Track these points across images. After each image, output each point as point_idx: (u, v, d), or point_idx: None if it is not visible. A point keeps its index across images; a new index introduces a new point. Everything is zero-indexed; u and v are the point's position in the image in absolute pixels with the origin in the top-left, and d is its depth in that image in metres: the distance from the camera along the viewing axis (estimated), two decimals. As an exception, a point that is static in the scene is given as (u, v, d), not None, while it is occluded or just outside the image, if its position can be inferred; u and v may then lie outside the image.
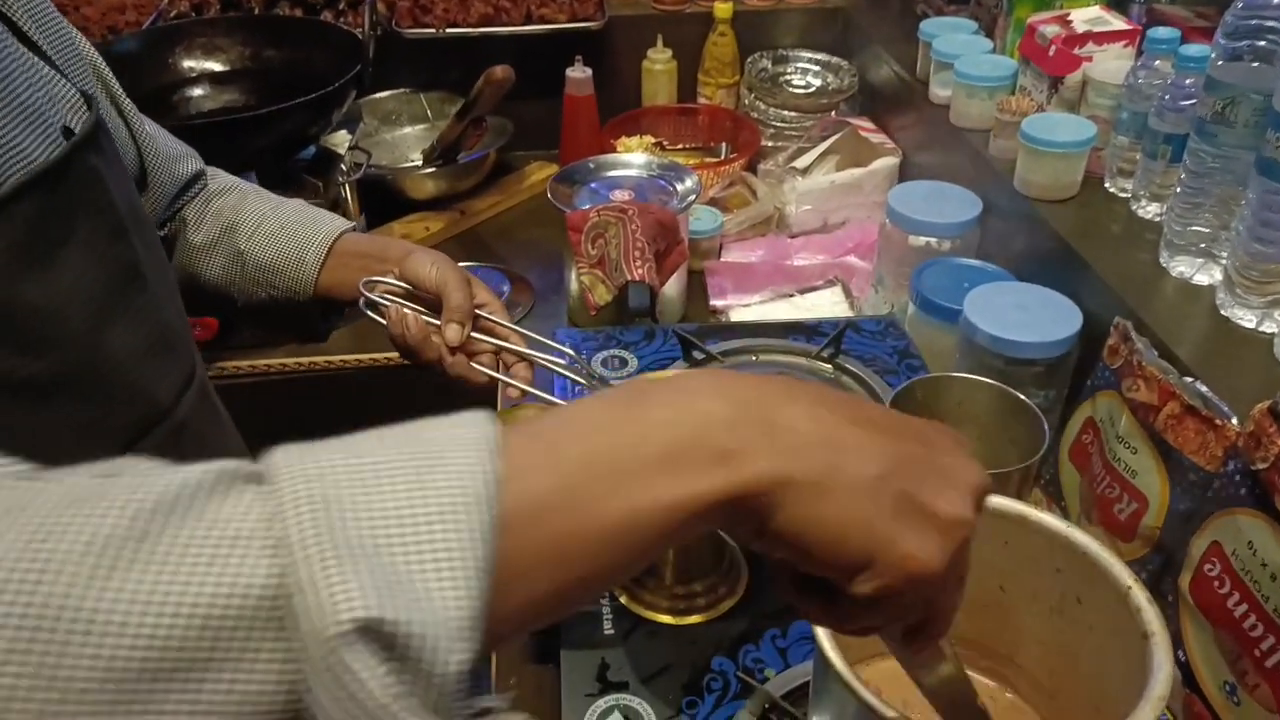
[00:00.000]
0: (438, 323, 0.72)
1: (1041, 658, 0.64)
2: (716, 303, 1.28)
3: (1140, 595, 0.56)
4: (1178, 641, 0.76)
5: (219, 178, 0.88)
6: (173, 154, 0.83)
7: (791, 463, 0.35)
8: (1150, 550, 0.81)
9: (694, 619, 0.81)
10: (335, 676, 0.28)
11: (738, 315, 1.25)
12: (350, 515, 0.30)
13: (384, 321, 0.74)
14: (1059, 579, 0.61)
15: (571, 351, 0.71)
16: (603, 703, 0.74)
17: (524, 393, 0.70)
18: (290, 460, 0.31)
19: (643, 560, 0.36)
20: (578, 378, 0.71)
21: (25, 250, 0.56)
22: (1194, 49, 0.94)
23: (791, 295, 1.27)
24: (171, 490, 0.29)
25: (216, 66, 1.31)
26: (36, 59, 0.62)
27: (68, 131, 0.61)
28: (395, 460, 0.32)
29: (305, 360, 1.21)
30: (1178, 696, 0.77)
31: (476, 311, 0.74)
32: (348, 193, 1.26)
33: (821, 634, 0.53)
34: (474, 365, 0.73)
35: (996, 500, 0.62)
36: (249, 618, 0.28)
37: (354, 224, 0.84)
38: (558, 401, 0.69)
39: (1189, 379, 0.79)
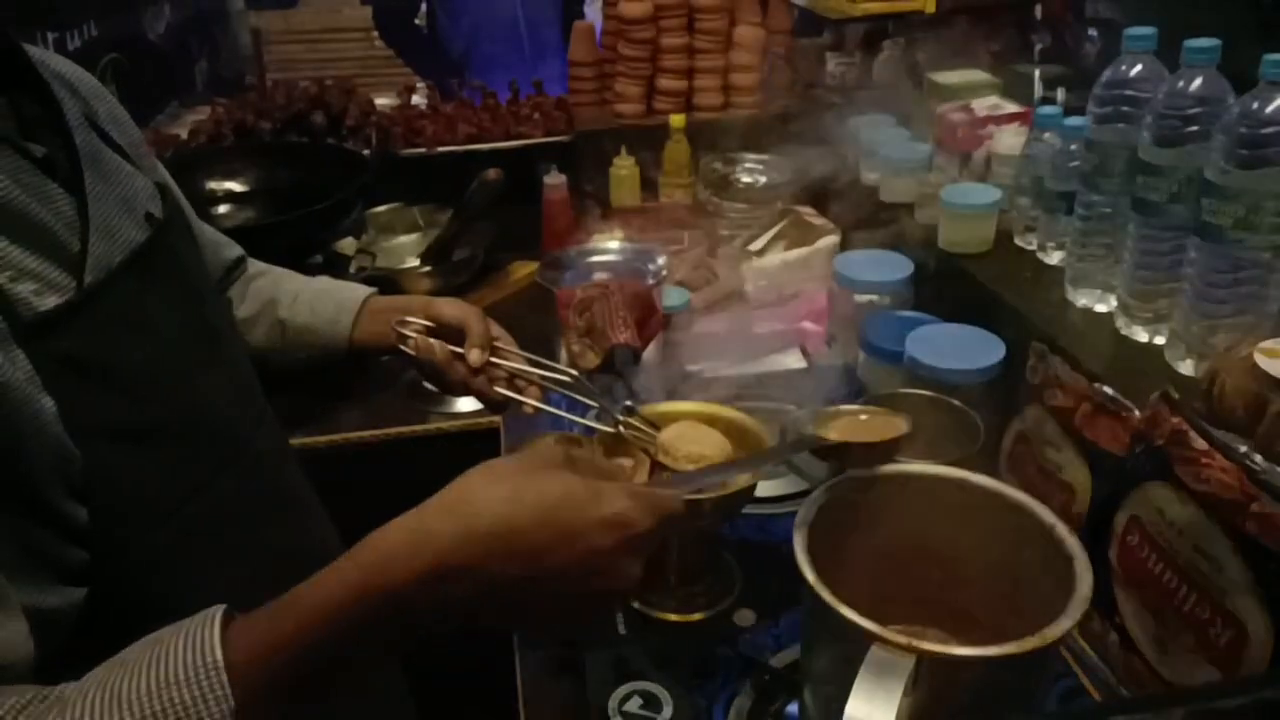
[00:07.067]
0: (458, 350, 0.86)
1: (989, 604, 0.76)
2: (690, 369, 1.42)
3: (1063, 530, 0.70)
4: (1112, 609, 0.88)
5: (255, 264, 1.03)
6: (219, 241, 0.98)
7: None
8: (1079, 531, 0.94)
9: (697, 615, 0.93)
10: None
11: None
12: None
13: (413, 353, 0.88)
14: (999, 533, 0.74)
15: (574, 372, 0.86)
16: (623, 689, 0.85)
17: (536, 409, 0.84)
18: None
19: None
20: (578, 395, 0.86)
21: (128, 317, 0.68)
22: (1074, 120, 1.13)
23: (756, 358, 1.42)
24: None
25: (236, 187, 1.47)
26: (120, 158, 0.75)
27: (150, 217, 0.74)
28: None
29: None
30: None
31: (493, 343, 0.88)
32: (355, 291, 1.41)
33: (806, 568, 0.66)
34: (494, 388, 0.87)
35: (940, 469, 0.76)
36: None
37: (376, 289, 0.98)
38: (565, 415, 0.84)
39: (1097, 384, 0.94)
